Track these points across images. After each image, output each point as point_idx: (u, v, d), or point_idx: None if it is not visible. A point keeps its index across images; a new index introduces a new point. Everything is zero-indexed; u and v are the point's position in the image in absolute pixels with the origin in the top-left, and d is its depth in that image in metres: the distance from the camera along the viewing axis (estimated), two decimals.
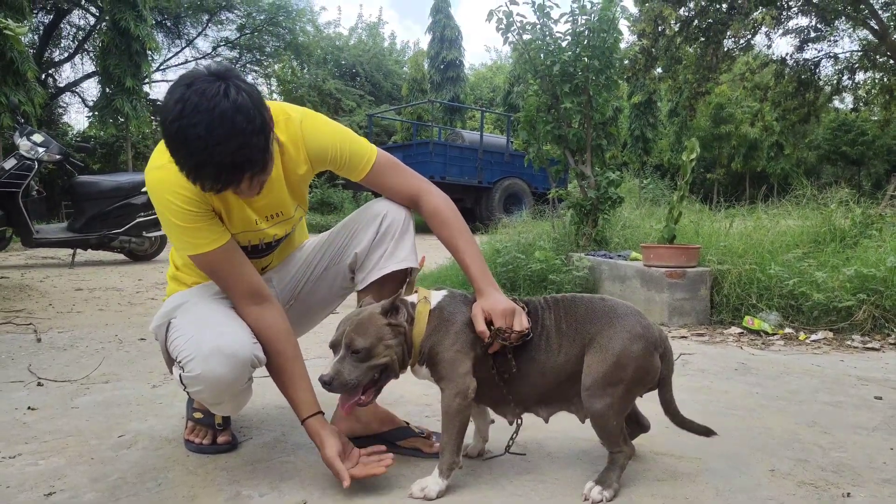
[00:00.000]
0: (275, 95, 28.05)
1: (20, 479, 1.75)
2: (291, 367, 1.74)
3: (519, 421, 1.80)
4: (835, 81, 19.22)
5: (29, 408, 2.37)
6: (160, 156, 1.69)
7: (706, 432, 1.79)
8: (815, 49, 18.36)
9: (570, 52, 5.25)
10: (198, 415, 1.99)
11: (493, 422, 1.96)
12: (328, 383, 1.58)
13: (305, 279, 2.02)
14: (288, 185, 1.85)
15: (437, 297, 1.74)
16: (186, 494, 1.67)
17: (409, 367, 1.73)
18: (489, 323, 1.66)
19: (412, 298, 1.74)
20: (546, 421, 1.80)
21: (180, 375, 1.67)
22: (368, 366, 1.61)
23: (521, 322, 1.67)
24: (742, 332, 3.88)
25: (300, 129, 1.80)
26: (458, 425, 1.64)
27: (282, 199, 1.85)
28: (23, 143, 7.13)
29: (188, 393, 1.69)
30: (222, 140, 1.43)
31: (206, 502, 1.62)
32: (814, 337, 3.69)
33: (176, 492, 1.68)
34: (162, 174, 1.66)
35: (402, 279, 1.88)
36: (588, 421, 1.72)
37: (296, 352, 1.77)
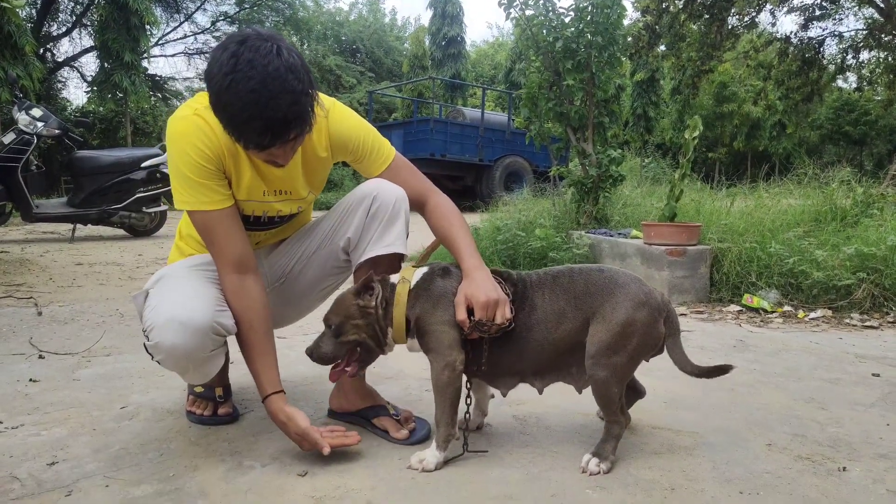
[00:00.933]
0: None
1: (23, 448, 1.77)
2: (261, 343, 1.72)
3: (469, 399, 1.80)
4: (839, 60, 19.06)
5: (31, 380, 2.39)
6: (186, 107, 1.71)
7: (724, 370, 1.74)
8: (820, 27, 18.18)
9: (572, 29, 5.20)
10: (198, 388, 2.01)
11: (492, 396, 1.98)
12: (308, 354, 1.74)
13: (297, 258, 2.01)
14: (304, 166, 1.86)
15: (418, 274, 1.75)
16: (188, 465, 1.68)
17: (398, 343, 1.77)
18: (470, 311, 1.65)
19: (394, 279, 1.75)
20: (540, 392, 1.80)
21: (145, 345, 1.70)
22: (340, 341, 1.72)
23: (503, 313, 1.65)
24: (741, 310, 3.89)
25: (326, 117, 1.84)
26: (449, 398, 1.67)
27: (294, 177, 1.86)
28: (21, 118, 7.09)
29: (157, 363, 1.71)
30: (276, 95, 1.46)
31: (208, 472, 1.64)
32: (813, 315, 3.70)
33: (178, 462, 1.70)
34: (184, 125, 1.67)
35: (396, 260, 1.88)
36: (585, 392, 1.73)
37: (267, 327, 1.75)
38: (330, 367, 1.77)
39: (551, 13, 5.33)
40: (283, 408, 1.67)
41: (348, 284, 1.85)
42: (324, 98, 1.85)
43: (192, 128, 1.66)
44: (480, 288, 1.65)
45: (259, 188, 1.81)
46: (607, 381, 1.63)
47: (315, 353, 1.74)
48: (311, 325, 3.17)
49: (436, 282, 1.73)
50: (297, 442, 1.67)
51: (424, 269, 1.77)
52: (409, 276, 1.74)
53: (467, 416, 1.78)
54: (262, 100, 1.45)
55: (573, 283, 1.71)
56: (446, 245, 1.85)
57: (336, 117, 1.86)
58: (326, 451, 1.62)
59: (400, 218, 1.86)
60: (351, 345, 1.73)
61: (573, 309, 1.68)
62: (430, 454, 1.65)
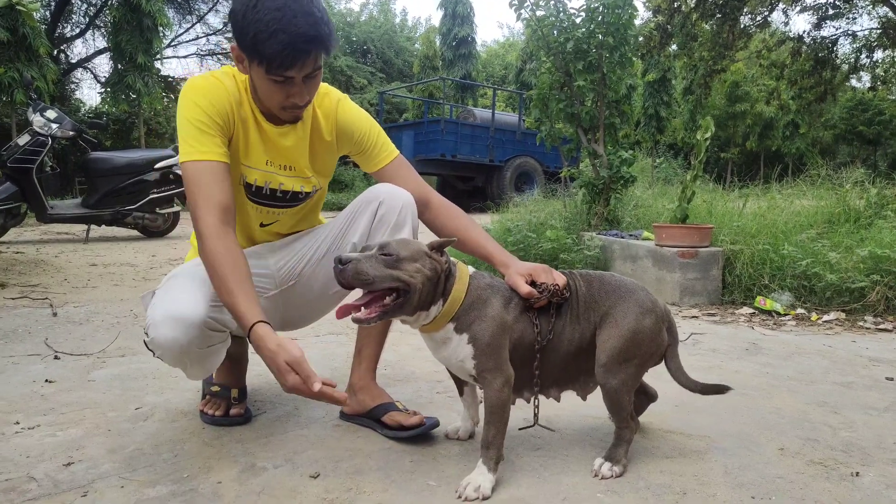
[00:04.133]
0: None
1: (39, 449, 1.79)
2: (243, 280, 1.61)
3: (536, 401, 1.77)
4: (852, 60, 18.89)
5: (46, 380, 2.41)
6: (206, 74, 1.80)
7: (722, 390, 1.75)
8: (833, 26, 18.03)
9: (583, 29, 5.20)
10: (215, 387, 2.03)
11: (481, 402, 1.96)
12: (343, 262, 1.48)
13: (306, 260, 2.01)
14: (311, 145, 1.91)
15: (471, 269, 1.69)
16: (202, 465, 1.70)
17: (433, 329, 1.61)
18: (531, 283, 1.65)
19: None
20: (558, 400, 1.81)
21: (144, 342, 1.72)
22: (392, 274, 1.50)
23: (560, 275, 1.68)
24: (754, 313, 3.87)
25: (336, 105, 1.92)
26: (506, 417, 1.60)
27: (300, 152, 1.89)
28: (36, 120, 7.16)
29: (159, 358, 1.73)
30: (298, 13, 1.57)
31: (222, 473, 1.65)
32: (826, 318, 3.68)
33: (192, 462, 1.71)
34: (200, 81, 1.77)
35: None
36: (597, 395, 1.73)
37: (248, 271, 1.65)
38: (345, 298, 1.54)
39: (562, 14, 5.34)
40: (271, 335, 1.50)
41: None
42: (334, 89, 1.96)
43: (207, 84, 1.75)
44: (530, 264, 1.71)
45: (262, 157, 1.85)
46: (619, 389, 1.63)
47: (353, 266, 1.47)
48: (322, 328, 3.19)
49: (486, 285, 1.66)
50: (282, 375, 1.47)
51: (474, 270, 1.71)
52: (464, 270, 1.66)
53: (535, 401, 1.76)
54: (287, 16, 1.55)
55: (590, 282, 1.72)
56: (467, 244, 1.85)
57: (345, 107, 1.94)
58: (317, 386, 1.45)
59: (407, 223, 1.87)
60: (397, 283, 1.51)
61: (586, 313, 1.68)
62: (484, 479, 1.53)
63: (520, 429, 1.85)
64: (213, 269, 1.62)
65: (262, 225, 1.99)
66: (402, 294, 1.52)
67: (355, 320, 1.51)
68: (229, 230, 1.68)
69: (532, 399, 1.77)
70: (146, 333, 1.70)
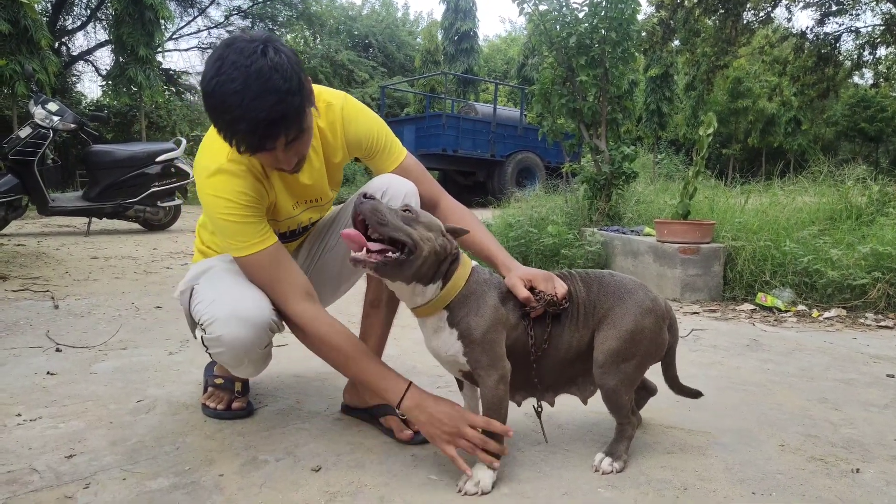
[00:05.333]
0: None
1: (42, 441, 1.79)
2: (366, 350, 1.68)
3: (539, 408, 1.76)
4: (855, 56, 18.86)
5: (48, 373, 2.42)
6: (208, 160, 1.69)
7: (695, 394, 1.86)
8: (837, 23, 18.00)
9: (586, 24, 5.19)
10: (219, 380, 2.03)
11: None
12: (367, 197, 1.48)
13: (319, 252, 2.05)
14: (328, 170, 1.88)
15: (475, 264, 1.69)
16: (204, 459, 1.70)
17: (428, 312, 1.59)
18: (530, 290, 1.63)
19: None
20: (552, 405, 1.79)
21: (202, 337, 1.71)
22: (405, 228, 1.48)
23: (562, 284, 1.65)
24: (755, 309, 3.88)
25: (340, 115, 1.83)
26: (503, 413, 1.59)
27: (322, 185, 1.88)
28: (38, 112, 7.15)
29: (210, 355, 1.73)
30: (258, 95, 1.44)
31: (224, 466, 1.66)
32: (827, 314, 3.68)
33: (194, 456, 1.72)
34: (217, 183, 1.66)
35: None
36: (591, 398, 1.74)
37: (359, 340, 1.72)
38: (353, 233, 1.49)
39: (565, 8, 5.33)
40: (424, 399, 1.60)
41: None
42: (335, 94, 1.86)
43: (227, 181, 1.65)
44: (532, 269, 1.69)
45: (289, 203, 1.84)
46: (617, 389, 1.63)
47: (373, 204, 1.47)
48: None
49: (486, 280, 1.65)
50: (452, 430, 1.55)
51: (476, 264, 1.70)
52: (468, 261, 1.66)
53: (539, 408, 1.76)
54: (246, 100, 1.44)
55: (589, 282, 1.71)
56: (473, 247, 1.82)
57: (350, 114, 1.85)
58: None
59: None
60: (406, 239, 1.47)
61: (585, 318, 1.67)
62: (485, 474, 1.54)
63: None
64: (331, 352, 1.68)
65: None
66: (407, 254, 1.49)
67: (353, 260, 1.46)
68: (318, 307, 1.73)
69: (523, 402, 1.77)
70: (204, 330, 1.69)
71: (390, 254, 1.48)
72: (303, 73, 1.53)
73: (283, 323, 1.74)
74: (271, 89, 1.45)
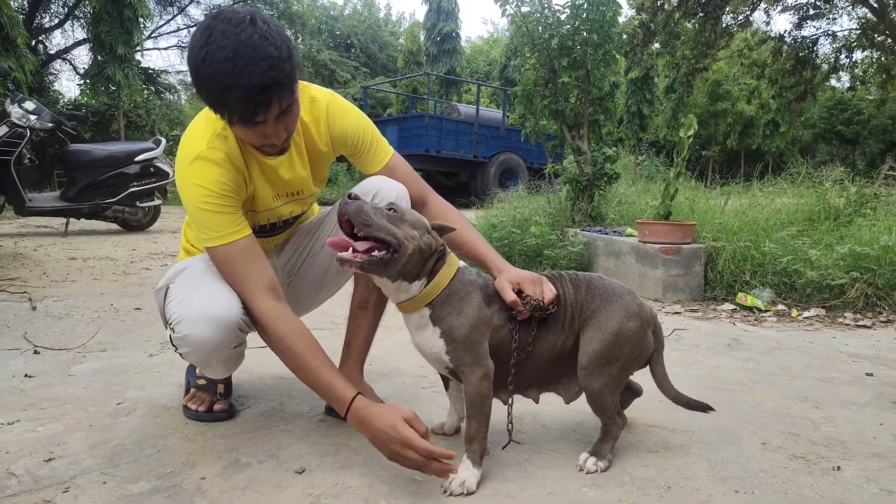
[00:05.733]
0: None
1: (20, 444, 1.76)
2: (321, 355, 1.63)
3: (510, 408, 1.75)
4: (832, 59, 19.16)
5: (26, 375, 2.38)
6: (189, 146, 1.68)
7: (703, 408, 1.78)
8: (814, 26, 18.32)
9: (568, 26, 5.21)
10: (201, 381, 2.01)
11: None
12: (352, 198, 1.50)
13: (305, 255, 2.04)
14: (311, 164, 1.86)
15: (462, 263, 1.69)
16: (185, 461, 1.68)
17: (411, 308, 1.60)
18: (518, 293, 1.63)
19: None
20: (536, 402, 1.80)
21: (170, 336, 1.70)
22: (390, 228, 1.50)
23: (550, 289, 1.65)
24: (735, 309, 3.91)
25: (325, 111, 1.82)
26: (487, 411, 1.57)
27: (304, 177, 1.86)
28: (14, 111, 7.05)
29: (180, 354, 1.71)
30: (250, 62, 1.43)
31: (206, 469, 1.64)
32: (806, 314, 3.72)
33: (175, 458, 1.70)
34: (194, 169, 1.65)
35: None
36: (574, 399, 1.75)
37: (318, 343, 1.68)
38: (339, 238, 1.53)
39: (547, 10, 5.34)
40: (370, 409, 1.53)
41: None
42: (321, 91, 1.85)
43: (205, 168, 1.64)
44: (521, 272, 1.67)
45: (269, 195, 1.82)
46: (601, 391, 1.63)
47: (357, 205, 1.49)
48: (308, 322, 3.17)
49: (471, 280, 1.65)
50: (398, 458, 1.49)
51: (463, 263, 1.70)
52: (454, 259, 1.66)
53: (509, 409, 1.73)
54: (237, 68, 1.43)
55: (577, 289, 1.70)
56: (463, 246, 1.80)
57: (336, 111, 1.84)
58: (434, 465, 1.47)
59: None
60: (391, 238, 1.50)
61: (572, 320, 1.67)
62: (469, 474, 1.53)
63: (503, 447, 1.79)
64: (286, 353, 1.64)
65: (274, 246, 2.04)
66: (392, 252, 1.51)
67: (339, 259, 1.49)
68: (283, 306, 1.68)
69: (509, 405, 1.75)
70: (172, 330, 1.68)
71: (375, 253, 1.49)
72: (290, 43, 1.54)
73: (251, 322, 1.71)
74: (263, 55, 1.45)
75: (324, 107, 1.82)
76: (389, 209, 1.54)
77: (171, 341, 1.71)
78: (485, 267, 1.76)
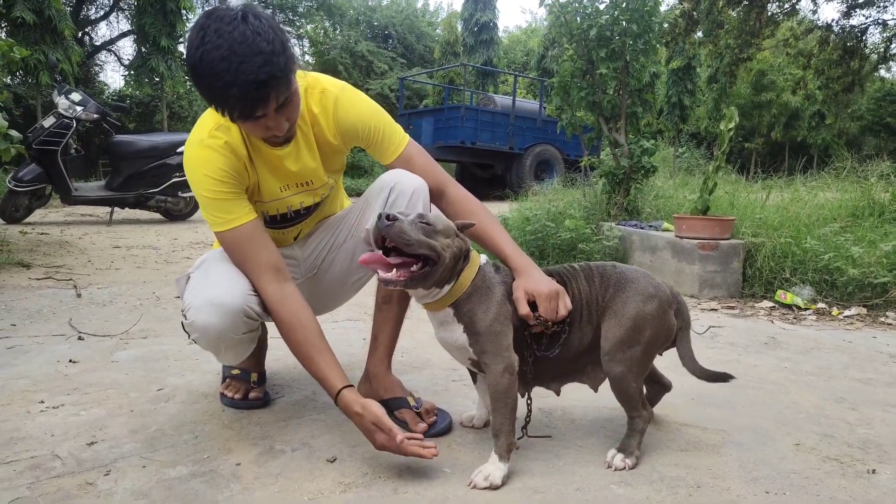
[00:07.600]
0: (307, 57, 27.94)
1: (64, 428, 1.83)
2: (319, 342, 1.69)
3: (529, 401, 1.78)
4: (882, 49, 18.53)
5: (70, 360, 2.47)
6: (195, 132, 1.76)
7: (723, 378, 1.77)
8: (863, 15, 17.70)
9: (607, 16, 5.14)
10: (235, 371, 2.06)
11: None
12: (389, 219, 1.48)
13: (327, 250, 2.04)
14: (321, 154, 1.88)
15: (482, 258, 1.71)
16: (222, 447, 1.73)
17: (437, 308, 1.64)
18: (532, 305, 1.63)
19: None
20: (557, 394, 1.81)
21: (182, 323, 1.76)
22: (429, 242, 1.52)
23: (566, 304, 1.65)
24: (773, 306, 3.84)
25: (334, 103, 1.82)
26: (511, 403, 1.58)
27: (313, 168, 1.88)
28: (61, 102, 7.24)
29: (193, 340, 1.76)
30: (245, 58, 1.47)
31: (241, 455, 1.68)
32: (847, 313, 3.64)
33: (212, 444, 1.75)
34: (197, 153, 1.72)
35: None
36: (602, 389, 1.74)
37: (319, 328, 1.73)
38: (375, 257, 1.53)
39: (586, 0, 5.28)
40: (356, 399, 1.60)
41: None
42: (333, 82, 1.86)
43: (206, 155, 1.71)
44: (540, 282, 1.65)
45: (275, 186, 1.85)
46: (624, 376, 1.63)
47: (398, 226, 1.49)
48: (339, 314, 3.21)
49: (494, 275, 1.68)
50: (371, 435, 1.57)
51: (486, 257, 1.72)
52: (476, 257, 1.69)
53: (528, 402, 1.77)
54: (234, 65, 1.47)
55: (592, 277, 1.71)
56: (481, 240, 1.81)
57: (344, 102, 1.83)
58: (399, 437, 1.53)
59: (418, 208, 1.84)
60: (431, 252, 1.52)
61: (589, 312, 1.69)
62: (495, 468, 1.55)
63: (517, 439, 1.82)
64: (288, 337, 1.70)
65: (294, 238, 2.06)
66: (430, 265, 1.54)
67: (383, 280, 1.52)
68: (288, 287, 1.74)
69: (528, 400, 1.78)
70: (184, 316, 1.74)
71: (414, 268, 1.53)
72: (284, 36, 1.57)
73: (263, 311, 1.75)
74: (256, 51, 1.48)
75: (333, 99, 1.82)
76: (422, 221, 1.54)
77: (184, 328, 1.77)
78: (504, 263, 1.77)
